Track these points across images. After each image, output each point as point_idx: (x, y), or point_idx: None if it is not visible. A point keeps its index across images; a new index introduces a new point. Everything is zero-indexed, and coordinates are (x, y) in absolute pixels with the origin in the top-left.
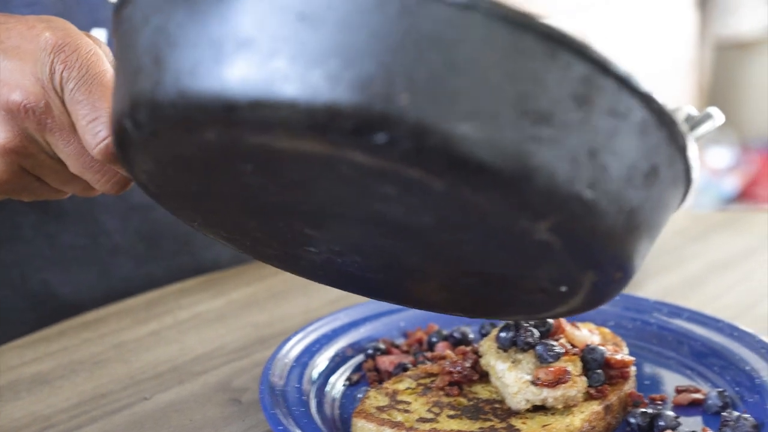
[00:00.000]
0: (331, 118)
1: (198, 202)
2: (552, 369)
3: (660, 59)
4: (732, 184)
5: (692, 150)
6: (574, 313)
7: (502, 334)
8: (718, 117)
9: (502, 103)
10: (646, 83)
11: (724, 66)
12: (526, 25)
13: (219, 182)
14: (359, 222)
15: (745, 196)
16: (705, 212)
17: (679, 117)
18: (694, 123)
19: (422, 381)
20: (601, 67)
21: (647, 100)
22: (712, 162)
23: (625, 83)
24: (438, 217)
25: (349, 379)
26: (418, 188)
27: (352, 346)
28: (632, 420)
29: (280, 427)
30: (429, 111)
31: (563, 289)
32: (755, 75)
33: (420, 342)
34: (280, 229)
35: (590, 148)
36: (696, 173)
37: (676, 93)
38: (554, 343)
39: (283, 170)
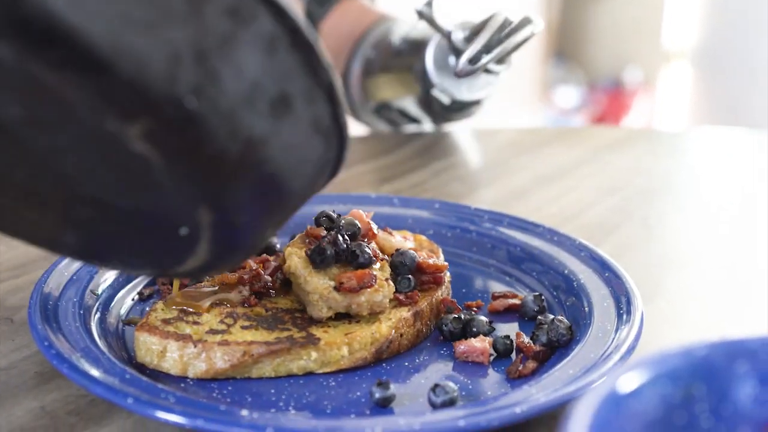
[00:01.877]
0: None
1: None
2: (356, 273)
3: (509, 1)
4: (580, 122)
5: (339, 93)
6: (206, 272)
7: (316, 253)
8: (537, 23)
9: None
10: None
11: (571, 8)
12: None
13: None
14: None
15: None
16: (537, 127)
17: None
18: (513, 29)
19: (218, 291)
20: None
21: (278, 12)
22: (560, 101)
23: None
24: (22, 106)
25: (140, 293)
26: None
27: None
28: (444, 326)
29: (46, 343)
30: None
31: (183, 231)
32: (602, 16)
33: None
34: None
35: (198, 49)
36: (346, 130)
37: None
38: (366, 246)
39: None
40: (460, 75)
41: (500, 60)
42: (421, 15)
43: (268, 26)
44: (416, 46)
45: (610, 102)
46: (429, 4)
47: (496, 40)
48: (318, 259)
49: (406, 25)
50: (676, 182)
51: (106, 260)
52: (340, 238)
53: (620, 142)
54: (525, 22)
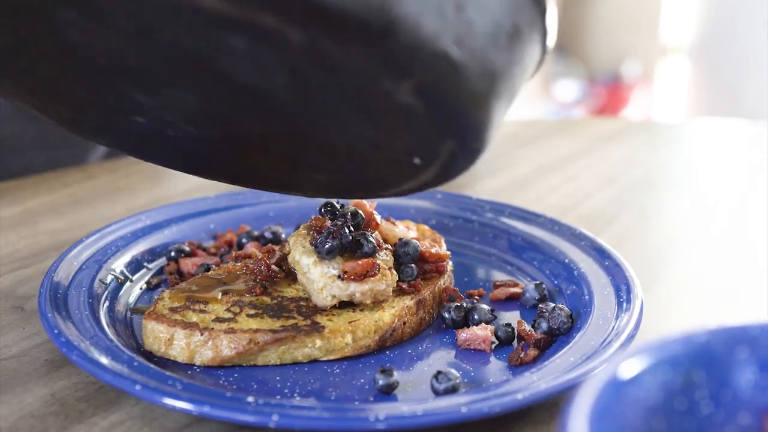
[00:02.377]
0: None
1: (8, 59)
2: (360, 262)
3: None
4: (579, 115)
5: (551, 14)
6: (422, 189)
7: (322, 242)
8: None
9: None
10: None
11: (571, 2)
12: None
13: (36, 33)
14: (200, 85)
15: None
16: (537, 119)
17: None
18: None
19: (224, 280)
20: None
21: None
22: (560, 95)
23: None
24: (293, 77)
25: (147, 282)
26: (273, 41)
27: (154, 249)
28: (446, 315)
29: (56, 331)
30: None
31: (417, 161)
32: (601, 11)
33: (230, 244)
34: (105, 94)
35: (457, 1)
36: (552, 39)
37: None
38: (370, 235)
39: (114, 17)
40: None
41: None
42: None
43: None
44: None
45: (609, 95)
46: None
47: None
48: (323, 249)
49: None
50: (673, 173)
51: (313, 191)
52: (345, 227)
53: (619, 134)
54: None
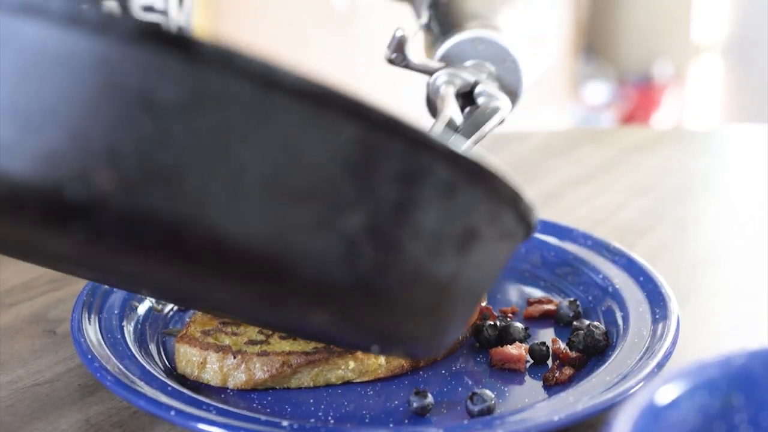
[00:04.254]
0: (12, 198)
1: None
2: None
3: None
4: (609, 118)
5: (525, 194)
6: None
7: None
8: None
9: (247, 181)
10: (443, 137)
11: (600, 3)
12: (273, 79)
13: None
14: (139, 278)
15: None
16: (565, 129)
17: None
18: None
19: None
20: (379, 125)
21: (450, 157)
22: (589, 97)
23: (416, 141)
24: (191, 296)
25: None
26: (147, 275)
27: None
28: (480, 334)
29: (89, 356)
30: (143, 194)
31: (375, 349)
32: (631, 10)
33: None
34: (74, 270)
35: (373, 227)
36: (535, 217)
37: (554, 30)
38: None
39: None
40: None
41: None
42: (392, 63)
43: (443, 174)
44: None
45: (640, 97)
46: (398, 51)
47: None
48: None
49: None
50: (708, 182)
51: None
52: None
53: (650, 142)
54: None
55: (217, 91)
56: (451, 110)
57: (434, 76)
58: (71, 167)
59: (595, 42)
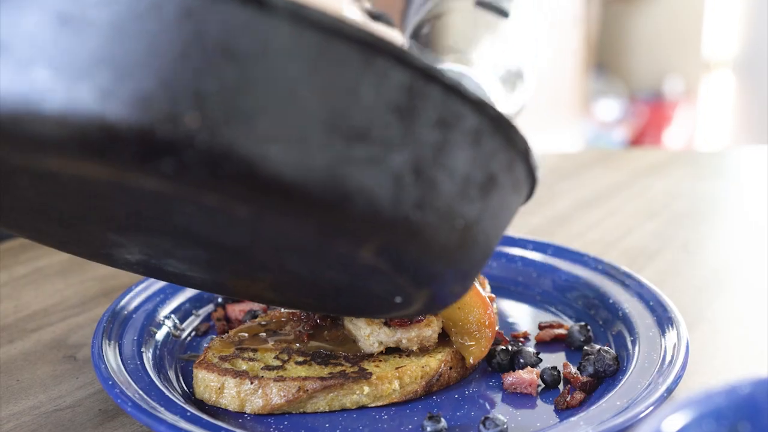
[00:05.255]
0: (107, 139)
1: None
2: None
3: (548, 13)
4: (621, 135)
5: (534, 149)
6: (417, 315)
7: None
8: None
9: (311, 121)
10: (475, 88)
11: (611, 19)
12: (336, 29)
13: (3, 191)
14: (166, 233)
15: (634, 146)
16: (576, 151)
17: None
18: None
19: (271, 327)
20: (423, 73)
21: (479, 107)
22: (600, 114)
23: (452, 90)
24: (250, 238)
25: (196, 329)
26: (221, 212)
27: (201, 295)
28: (492, 358)
29: (110, 382)
30: (223, 133)
31: (398, 300)
32: (641, 28)
33: None
34: (84, 234)
35: (416, 165)
36: (540, 172)
37: (565, 47)
38: None
39: (69, 187)
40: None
41: None
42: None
43: (473, 122)
44: None
45: (651, 114)
46: None
47: None
48: None
49: None
50: (718, 205)
51: (308, 309)
52: None
53: (661, 165)
54: None
55: (287, 40)
56: None
57: None
58: (162, 110)
59: (606, 59)
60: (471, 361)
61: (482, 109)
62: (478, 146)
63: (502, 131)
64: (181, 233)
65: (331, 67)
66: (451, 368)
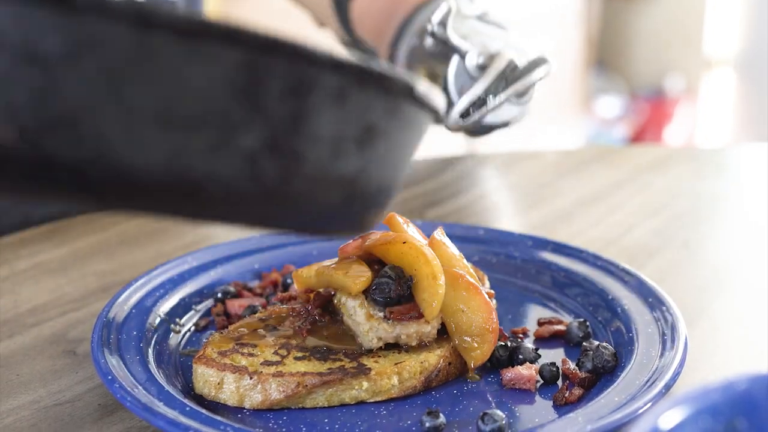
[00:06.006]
0: None
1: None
2: (405, 305)
3: (549, 11)
4: (622, 132)
5: (419, 86)
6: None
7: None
8: (549, 64)
9: (140, 117)
10: (323, 48)
11: (612, 17)
12: (148, 20)
13: None
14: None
15: (634, 143)
16: (577, 148)
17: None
18: (520, 72)
19: (270, 323)
20: (261, 48)
21: (335, 66)
22: (601, 111)
23: (299, 57)
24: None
25: (195, 324)
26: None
27: (201, 290)
28: (491, 354)
29: (109, 377)
30: (45, 143)
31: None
32: (642, 25)
33: (275, 284)
34: None
35: (270, 141)
36: (437, 100)
37: (566, 44)
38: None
39: None
40: (451, 130)
41: (520, 95)
42: (434, 36)
43: (332, 83)
44: (445, 53)
45: (652, 111)
46: (442, 24)
47: (500, 86)
48: (380, 298)
49: (441, 13)
50: (719, 203)
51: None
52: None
53: (662, 162)
54: (535, 64)
55: (95, 37)
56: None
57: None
58: None
59: (607, 56)
60: (472, 365)
61: (340, 67)
62: (344, 105)
63: (371, 82)
64: None
65: (149, 59)
66: (450, 364)
